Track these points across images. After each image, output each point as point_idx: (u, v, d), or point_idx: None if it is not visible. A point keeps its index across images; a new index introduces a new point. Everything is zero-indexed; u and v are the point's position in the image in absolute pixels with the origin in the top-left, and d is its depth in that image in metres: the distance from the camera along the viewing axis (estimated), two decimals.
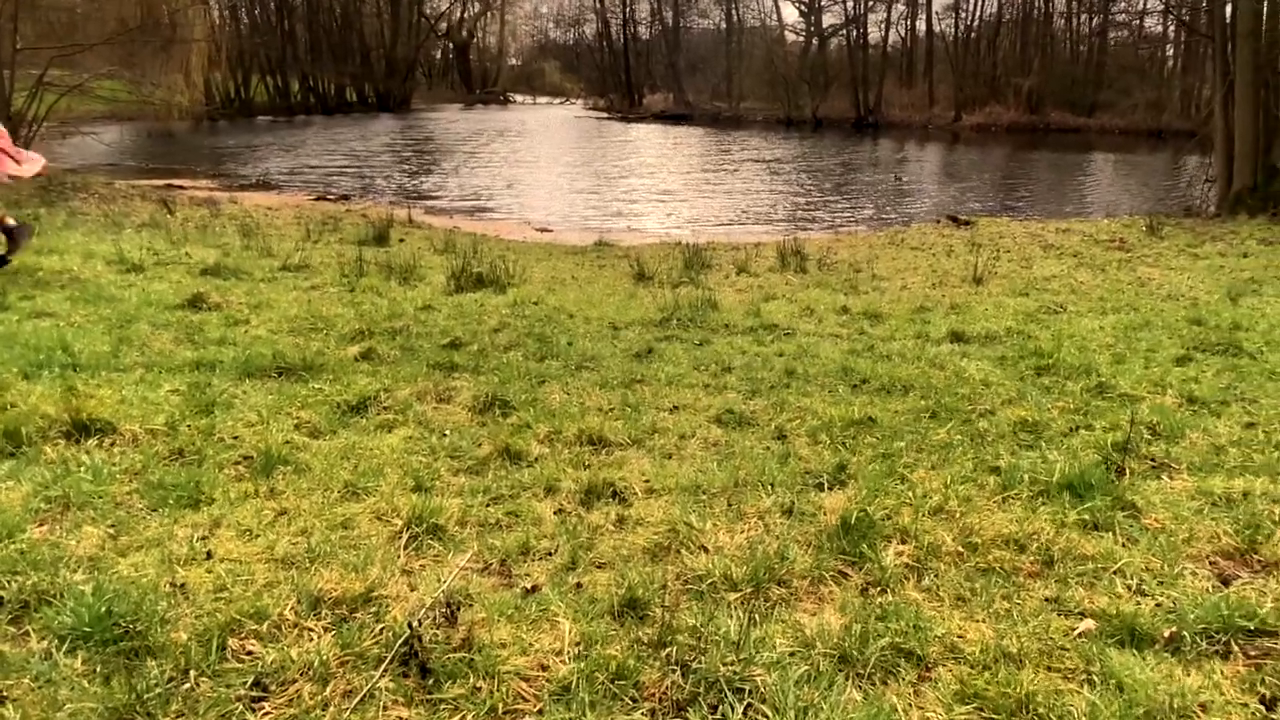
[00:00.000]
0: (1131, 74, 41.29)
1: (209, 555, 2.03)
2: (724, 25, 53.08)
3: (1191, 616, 1.96)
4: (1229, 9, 11.60)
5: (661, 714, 1.61)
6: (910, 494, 2.62)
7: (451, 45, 58.97)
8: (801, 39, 50.60)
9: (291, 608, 1.84)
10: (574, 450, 2.98)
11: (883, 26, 46.21)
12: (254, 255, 6.73)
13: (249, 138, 25.66)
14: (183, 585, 1.89)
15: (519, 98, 63.69)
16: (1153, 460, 2.98)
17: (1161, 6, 30.97)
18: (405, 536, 2.24)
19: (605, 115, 49.71)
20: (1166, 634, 1.90)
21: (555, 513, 2.50)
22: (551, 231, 11.51)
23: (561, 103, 62.40)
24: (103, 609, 1.71)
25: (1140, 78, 40.98)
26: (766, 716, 1.56)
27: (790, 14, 67.70)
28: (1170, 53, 41.77)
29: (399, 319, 4.90)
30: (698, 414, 3.44)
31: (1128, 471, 2.88)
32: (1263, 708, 1.66)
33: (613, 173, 20.01)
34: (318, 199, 13.15)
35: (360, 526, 2.29)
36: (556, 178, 19.02)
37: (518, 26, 68.08)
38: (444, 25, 55.69)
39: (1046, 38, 43.36)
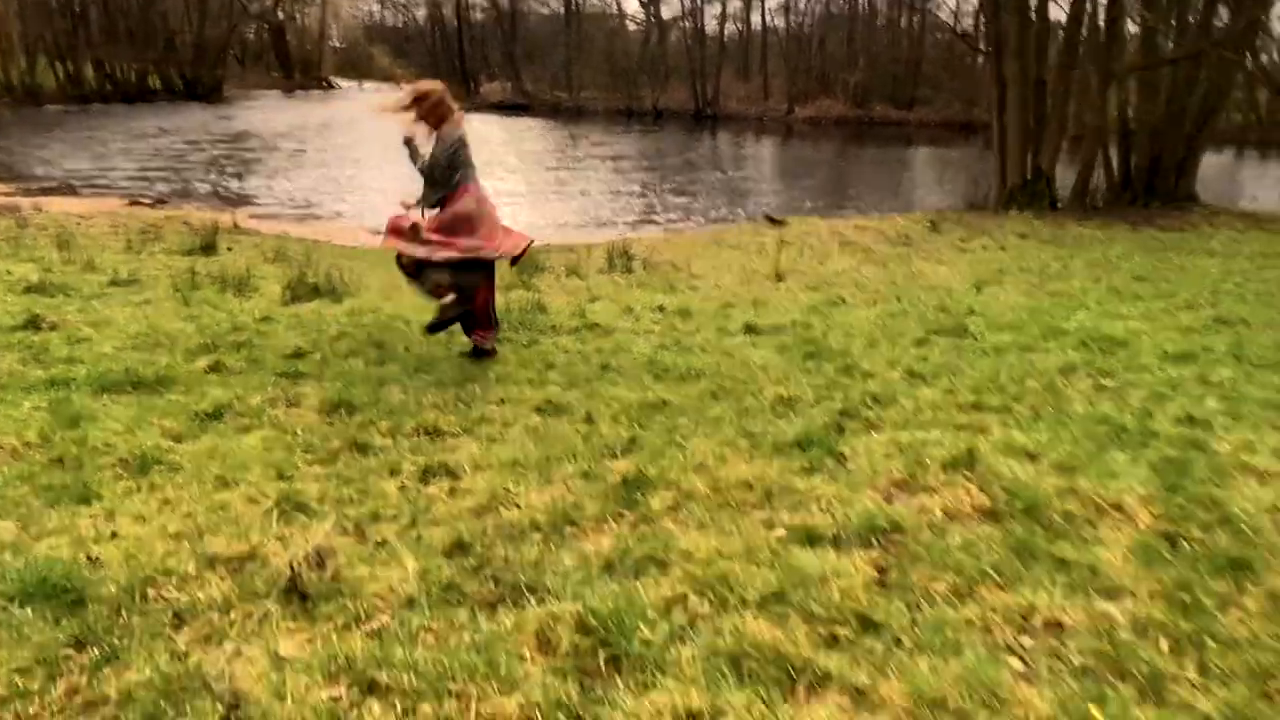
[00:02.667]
0: (945, 70, 45.85)
1: (114, 535, 2.60)
2: (563, 12, 53.76)
3: (854, 524, 2.95)
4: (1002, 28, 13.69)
5: (479, 609, 2.39)
6: (681, 456, 3.53)
7: (267, 27, 56.11)
8: (641, 29, 52.24)
9: (192, 566, 2.47)
10: (413, 440, 3.69)
11: (719, 19, 48.61)
12: (77, 270, 6.84)
13: (38, 131, 23.76)
14: (97, 558, 2.47)
15: (344, 84, 61.54)
16: (867, 421, 4.06)
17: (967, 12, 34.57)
18: (276, 512, 2.89)
19: None
20: (832, 535, 2.88)
21: (398, 489, 3.20)
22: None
23: (392, 90, 60.77)
24: (39, 576, 2.28)
25: (953, 74, 45.60)
26: (552, 602, 2.38)
27: (630, 3, 69.33)
28: (982, 46, 46.51)
29: (241, 332, 5.35)
30: (521, 405, 4.22)
31: (845, 430, 3.94)
32: (876, 573, 2.65)
33: None
34: (132, 204, 12.77)
35: (236, 508, 2.91)
36: (390, 178, 19.09)
37: (340, 7, 65.57)
38: (257, 5, 52.93)
39: (870, 35, 47.25)
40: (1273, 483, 3.21)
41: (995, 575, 2.59)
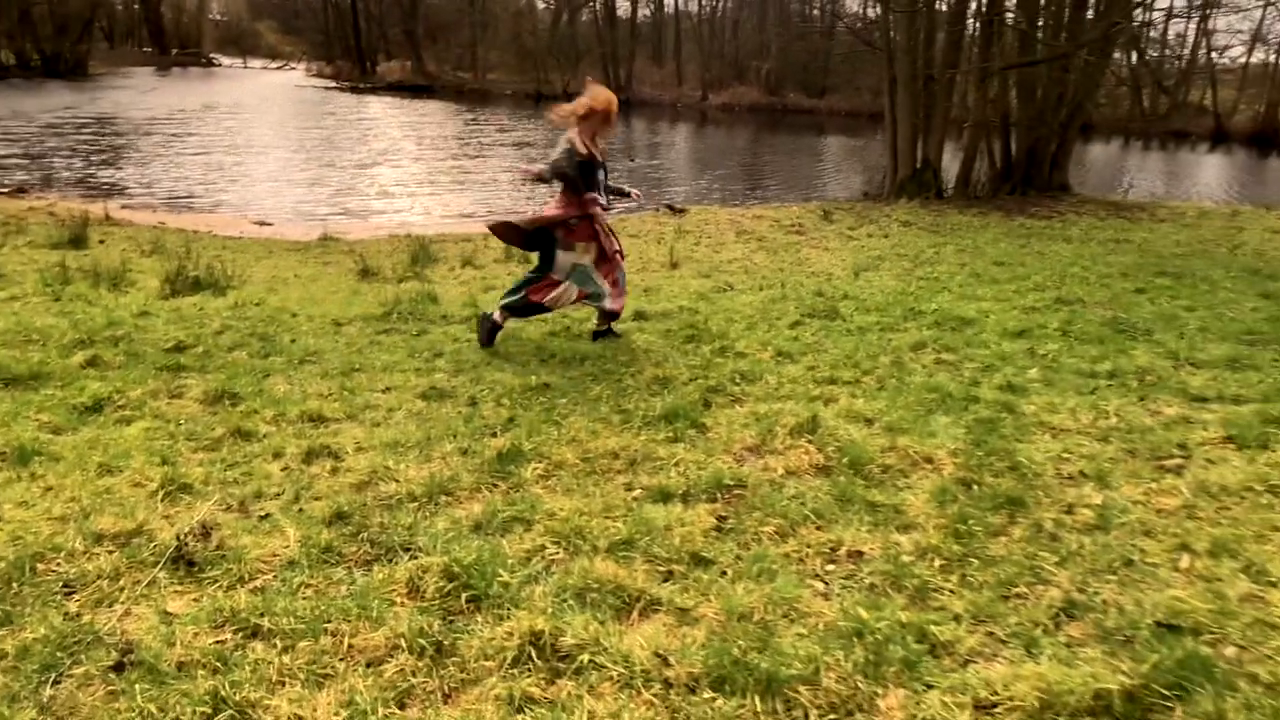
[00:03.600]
0: (853, 60, 47.60)
1: None
2: None
3: (704, 482, 3.43)
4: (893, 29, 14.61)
5: (356, 567, 2.75)
6: (556, 432, 3.95)
7: None
8: (550, 9, 52.19)
9: (80, 543, 2.74)
10: (297, 426, 3.98)
11: (631, 2, 49.10)
12: None
13: None
14: None
15: (226, 61, 59.49)
16: (733, 396, 4.57)
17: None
18: (161, 494, 3.16)
19: (333, 85, 48.11)
20: (682, 492, 3.36)
21: (282, 470, 3.51)
22: (271, 225, 11.86)
23: (280, 67, 59.21)
24: None
25: (861, 64, 47.37)
26: (422, 557, 2.76)
27: None
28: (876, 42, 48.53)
29: (118, 327, 5.48)
30: (406, 392, 4.55)
31: (712, 405, 4.43)
32: (716, 521, 3.13)
33: (344, 159, 20.09)
34: None
35: (122, 491, 3.18)
36: (277, 164, 18.81)
37: None
38: None
39: (783, 22, 48.60)
40: (1062, 437, 3.86)
41: (816, 518, 3.11)
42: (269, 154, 20.29)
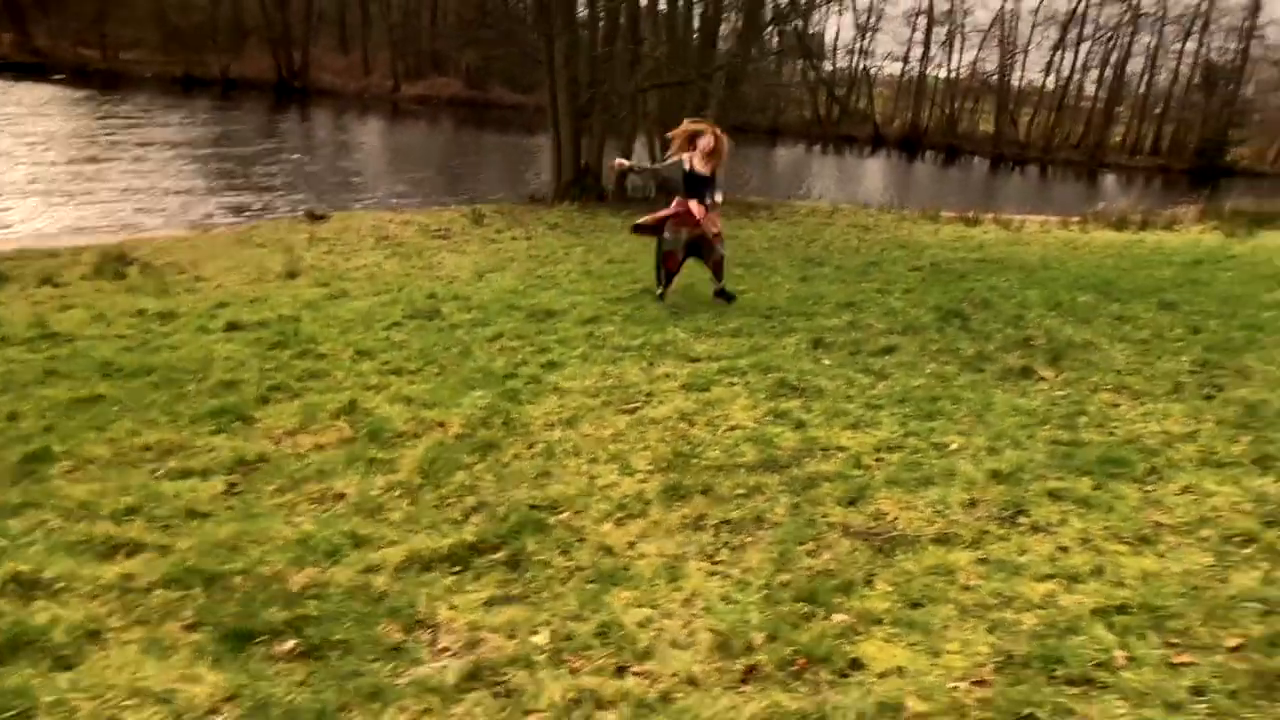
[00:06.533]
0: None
1: None
2: None
3: (227, 461, 4.39)
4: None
5: None
6: (94, 435, 4.71)
7: None
8: None
9: None
10: None
11: None
12: None
13: None
14: None
15: None
16: (294, 392, 5.54)
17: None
18: None
19: None
20: (203, 469, 4.29)
21: None
22: None
23: None
24: None
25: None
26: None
27: None
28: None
29: None
30: None
31: (269, 400, 5.39)
32: (226, 487, 4.11)
33: None
34: None
35: None
36: None
37: None
38: None
39: (480, 13, 50.21)
40: (565, 397, 5.28)
41: (319, 476, 4.20)
42: None
